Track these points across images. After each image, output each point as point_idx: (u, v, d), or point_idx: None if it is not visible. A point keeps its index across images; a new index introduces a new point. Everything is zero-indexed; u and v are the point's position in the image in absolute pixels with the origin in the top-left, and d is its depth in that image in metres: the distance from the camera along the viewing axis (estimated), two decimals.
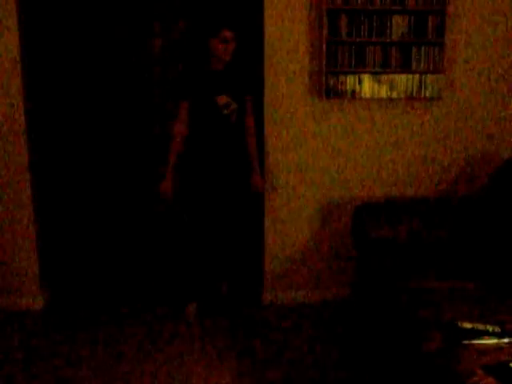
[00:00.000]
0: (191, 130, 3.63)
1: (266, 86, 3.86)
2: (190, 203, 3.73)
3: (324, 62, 3.77)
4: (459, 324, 2.49)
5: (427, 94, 3.89)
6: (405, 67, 3.84)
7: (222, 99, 3.58)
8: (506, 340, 2.41)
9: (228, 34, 3.45)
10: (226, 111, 3.59)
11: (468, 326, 2.48)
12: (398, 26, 3.77)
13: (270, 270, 4.06)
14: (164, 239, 4.71)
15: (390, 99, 3.92)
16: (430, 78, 3.86)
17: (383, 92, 3.86)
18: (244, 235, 4.11)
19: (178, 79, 3.67)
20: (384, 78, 3.83)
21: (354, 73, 3.81)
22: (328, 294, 4.10)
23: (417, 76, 3.86)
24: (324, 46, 3.75)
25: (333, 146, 3.97)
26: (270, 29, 3.76)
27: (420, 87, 3.87)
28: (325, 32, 3.73)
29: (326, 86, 3.81)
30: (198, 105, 3.59)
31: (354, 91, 3.84)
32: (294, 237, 4.03)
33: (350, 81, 3.81)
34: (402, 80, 3.85)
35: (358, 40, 3.76)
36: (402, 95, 3.88)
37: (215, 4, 4.41)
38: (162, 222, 4.80)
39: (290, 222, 4.01)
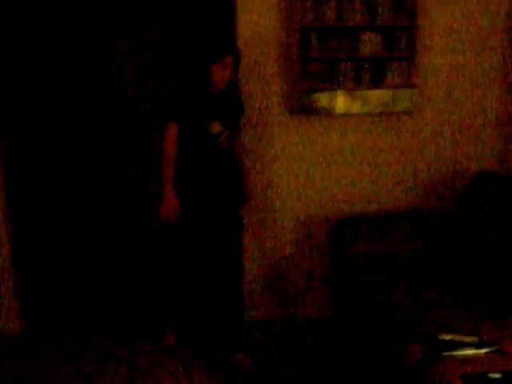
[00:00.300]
0: (180, 153, 3.47)
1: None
2: (180, 230, 3.60)
3: (297, 80, 3.84)
4: (439, 336, 2.55)
5: (400, 109, 3.98)
6: (377, 83, 3.92)
7: (215, 127, 3.43)
8: (483, 350, 2.48)
9: (231, 60, 3.33)
10: (217, 140, 3.45)
11: (447, 337, 2.54)
12: (369, 42, 3.85)
13: (250, 286, 4.09)
14: (145, 258, 4.72)
15: (364, 115, 3.99)
16: (402, 92, 3.95)
17: (357, 108, 3.94)
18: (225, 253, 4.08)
19: (169, 98, 3.52)
20: (357, 93, 3.91)
21: (327, 89, 3.87)
22: (312, 310, 4.15)
23: (389, 91, 3.94)
24: (296, 65, 3.81)
25: (308, 162, 4.03)
26: (242, 49, 3.82)
27: (392, 102, 3.96)
28: (297, 50, 3.80)
29: (300, 103, 3.87)
30: (189, 129, 3.43)
31: (327, 108, 3.91)
32: (273, 253, 4.07)
33: (324, 98, 3.88)
34: (375, 95, 3.93)
35: (330, 57, 3.83)
36: (375, 110, 3.96)
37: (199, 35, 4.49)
38: (142, 239, 4.82)
39: (269, 239, 4.05)
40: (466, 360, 2.45)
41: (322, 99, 3.89)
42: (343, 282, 3.61)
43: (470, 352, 2.48)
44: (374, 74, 3.92)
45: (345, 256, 3.58)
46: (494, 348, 2.49)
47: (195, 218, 3.54)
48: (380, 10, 3.82)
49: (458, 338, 2.54)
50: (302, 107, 3.88)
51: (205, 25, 4.70)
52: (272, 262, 4.07)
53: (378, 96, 3.94)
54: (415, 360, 2.49)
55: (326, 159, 4.03)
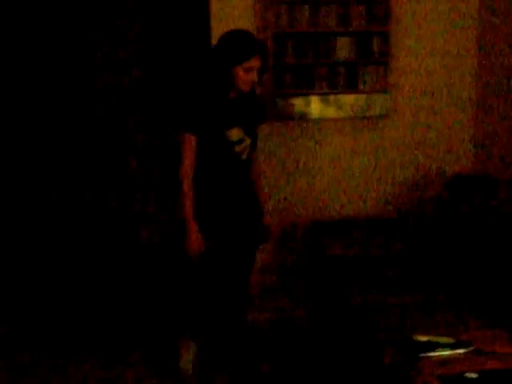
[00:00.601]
0: (196, 168, 3.08)
1: None
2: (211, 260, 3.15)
3: (272, 86, 3.87)
4: (415, 337, 2.58)
5: (374, 113, 4.02)
6: (351, 87, 3.97)
7: (235, 134, 3.04)
8: (460, 351, 2.52)
9: (257, 62, 2.90)
10: (238, 148, 3.07)
11: (423, 338, 2.57)
12: (343, 47, 3.90)
13: None
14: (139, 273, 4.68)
15: (339, 119, 4.03)
16: (376, 97, 4.00)
17: (331, 112, 3.98)
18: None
19: (185, 105, 3.02)
20: (332, 98, 3.95)
21: (302, 94, 3.91)
22: (287, 312, 4.15)
23: (363, 96, 3.99)
24: (271, 70, 3.84)
25: (283, 167, 4.05)
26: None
27: (367, 106, 4.00)
28: (271, 55, 3.83)
29: (275, 108, 3.90)
30: (206, 140, 3.02)
31: (303, 112, 3.94)
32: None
33: (299, 102, 3.91)
34: (349, 100, 3.97)
35: (304, 62, 3.88)
36: (350, 115, 4.00)
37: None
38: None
39: None
40: (442, 361, 2.47)
41: (297, 104, 3.92)
42: (320, 285, 3.63)
43: (446, 353, 2.51)
44: (348, 78, 3.96)
45: (322, 259, 3.59)
46: (470, 348, 2.53)
47: (221, 248, 3.14)
48: (354, 15, 3.87)
49: (434, 339, 2.57)
50: (277, 112, 3.92)
51: (179, 34, 4.72)
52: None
53: (352, 101, 3.98)
54: (392, 361, 2.52)
55: (301, 163, 4.05)
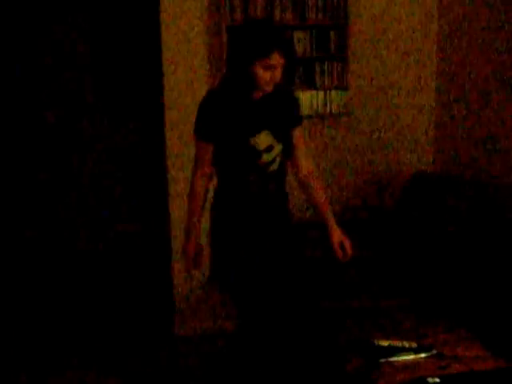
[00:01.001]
0: (218, 183, 2.78)
1: (166, 107, 3.83)
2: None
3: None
4: (376, 342, 2.53)
5: (333, 111, 3.98)
6: (309, 84, 3.92)
7: (262, 141, 2.62)
8: (422, 355, 2.47)
9: (278, 58, 2.49)
10: (266, 157, 2.64)
11: (384, 343, 2.52)
12: (300, 41, 3.84)
13: (180, 298, 4.00)
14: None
15: None
16: (334, 94, 3.96)
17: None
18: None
19: (198, 110, 2.69)
20: None
21: None
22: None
23: (321, 93, 3.94)
24: (225, 65, 3.76)
25: None
26: (169, 44, 3.76)
27: (325, 104, 3.96)
28: (225, 50, 3.74)
29: None
30: (227, 148, 2.66)
31: None
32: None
33: None
34: (307, 97, 3.92)
35: None
36: (308, 112, 3.94)
37: None
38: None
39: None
40: (404, 365, 2.43)
41: None
42: None
43: (408, 357, 2.47)
44: (305, 75, 3.91)
45: None
46: (432, 352, 2.49)
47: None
48: (310, 7, 3.82)
49: (395, 343, 2.52)
50: None
51: (128, 29, 4.64)
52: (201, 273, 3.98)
53: (310, 98, 3.93)
54: (352, 368, 2.46)
55: None
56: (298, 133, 2.78)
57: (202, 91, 3.77)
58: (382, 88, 4.10)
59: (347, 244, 2.77)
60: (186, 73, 3.83)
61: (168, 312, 4.15)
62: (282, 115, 2.69)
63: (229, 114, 2.61)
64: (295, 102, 2.79)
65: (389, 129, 4.14)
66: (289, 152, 2.75)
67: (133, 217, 4.82)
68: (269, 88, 2.56)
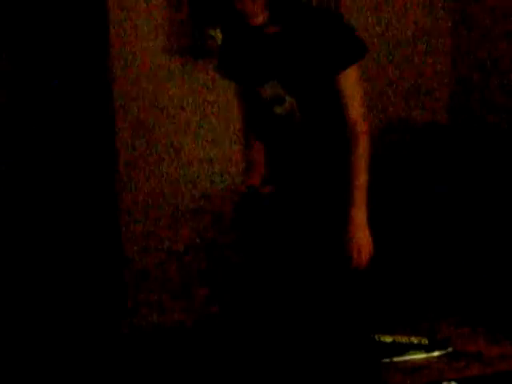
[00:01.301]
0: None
1: (111, 46, 3.28)
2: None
3: (186, 13, 3.29)
4: (377, 338, 2.08)
5: None
6: None
7: (268, 91, 2.13)
8: (435, 353, 2.06)
9: None
10: (278, 109, 2.14)
11: (388, 339, 2.09)
12: None
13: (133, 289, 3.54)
14: None
15: None
16: None
17: None
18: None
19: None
20: None
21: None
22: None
23: None
24: None
25: (209, 120, 3.47)
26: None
27: None
28: None
29: (191, 42, 3.29)
30: (242, 93, 2.29)
31: None
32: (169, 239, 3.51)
33: (220, 33, 3.28)
34: None
35: None
36: None
37: None
38: None
39: (163, 219, 3.48)
40: (413, 367, 2.03)
41: (218, 35, 3.38)
42: None
43: (418, 357, 2.06)
44: None
45: None
46: (447, 350, 2.06)
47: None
48: None
49: (401, 339, 2.09)
50: (193, 47, 3.31)
51: None
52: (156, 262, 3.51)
53: None
54: (348, 371, 2.02)
55: (227, 116, 3.48)
56: (341, 80, 2.03)
57: (156, 35, 3.30)
58: None
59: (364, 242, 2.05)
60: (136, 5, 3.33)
61: (118, 305, 3.71)
62: (303, 57, 2.03)
63: (237, 54, 2.12)
64: (336, 35, 2.00)
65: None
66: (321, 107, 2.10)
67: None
68: (255, 21, 1.94)
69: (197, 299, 3.52)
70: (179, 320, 3.59)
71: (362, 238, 2.00)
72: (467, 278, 2.54)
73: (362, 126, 2.00)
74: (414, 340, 2.08)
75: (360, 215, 1.99)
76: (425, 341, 2.08)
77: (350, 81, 2.02)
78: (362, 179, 1.99)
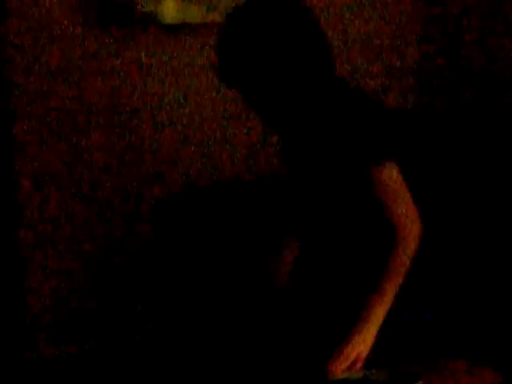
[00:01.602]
0: None
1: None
2: None
3: None
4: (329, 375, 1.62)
5: None
6: None
7: None
8: None
9: None
10: None
11: (343, 375, 1.63)
12: None
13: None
14: None
15: (207, 25, 3.07)
16: None
17: (197, 15, 3.05)
18: None
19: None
20: None
21: None
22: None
23: None
24: None
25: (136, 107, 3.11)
26: None
27: None
28: None
29: (112, 9, 2.97)
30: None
31: (153, 14, 2.99)
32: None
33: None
34: None
35: None
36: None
37: None
38: None
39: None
40: None
41: (147, 2, 2.97)
42: None
43: None
44: None
45: None
46: None
47: None
48: None
49: (356, 375, 1.63)
50: (115, 15, 2.98)
51: None
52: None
53: None
54: None
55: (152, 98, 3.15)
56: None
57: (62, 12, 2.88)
58: None
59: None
60: None
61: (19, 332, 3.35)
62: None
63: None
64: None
65: None
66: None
67: None
68: None
69: None
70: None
71: (353, 354, 1.67)
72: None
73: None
74: (374, 376, 1.62)
75: (369, 336, 1.67)
76: (383, 376, 1.61)
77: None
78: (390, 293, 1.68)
